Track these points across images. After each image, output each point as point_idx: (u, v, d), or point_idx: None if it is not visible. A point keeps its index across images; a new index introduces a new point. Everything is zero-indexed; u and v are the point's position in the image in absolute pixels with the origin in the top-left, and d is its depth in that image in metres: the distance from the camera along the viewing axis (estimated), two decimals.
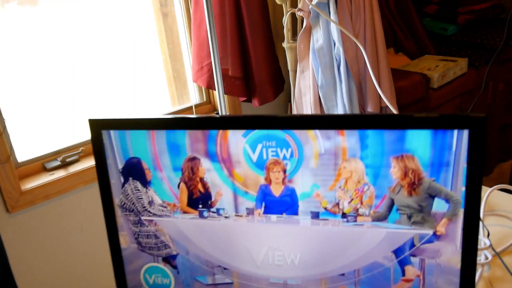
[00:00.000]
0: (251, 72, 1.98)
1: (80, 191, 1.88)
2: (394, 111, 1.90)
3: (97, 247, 1.96)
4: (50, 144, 1.91)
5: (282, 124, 0.67)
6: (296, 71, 1.89)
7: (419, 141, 0.62)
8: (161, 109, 2.24)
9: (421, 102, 2.17)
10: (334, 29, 1.69)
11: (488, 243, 0.85)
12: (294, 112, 1.94)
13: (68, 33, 1.89)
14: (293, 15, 1.84)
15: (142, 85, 2.15)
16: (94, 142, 0.74)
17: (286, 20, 1.86)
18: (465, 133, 0.59)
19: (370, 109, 1.78)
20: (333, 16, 1.66)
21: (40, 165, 1.87)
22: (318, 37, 1.73)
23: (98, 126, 0.74)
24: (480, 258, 0.85)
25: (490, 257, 0.83)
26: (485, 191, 1.01)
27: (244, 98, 2.08)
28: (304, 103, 1.88)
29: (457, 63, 2.24)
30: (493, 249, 0.83)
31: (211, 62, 1.67)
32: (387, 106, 1.88)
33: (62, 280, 1.92)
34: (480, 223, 0.92)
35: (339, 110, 1.79)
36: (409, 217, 0.65)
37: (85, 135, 1.97)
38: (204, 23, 1.68)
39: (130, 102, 2.12)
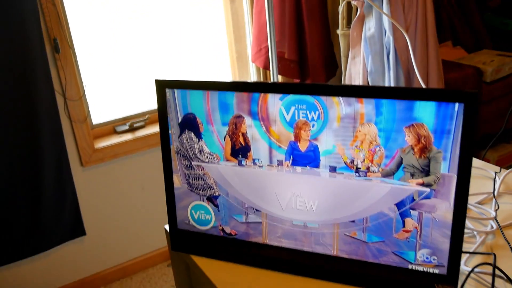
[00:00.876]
0: (305, 56, 2.11)
1: (144, 154, 2.10)
2: None
3: (154, 205, 2.19)
4: (121, 110, 2.14)
5: (312, 91, 0.80)
6: (348, 57, 1.99)
7: (425, 111, 0.73)
8: None
9: None
10: (385, 18, 1.77)
11: (493, 214, 0.94)
12: None
13: (143, 12, 2.09)
14: (348, 4, 1.94)
15: (208, 64, 2.34)
16: (158, 99, 0.91)
17: (342, 8, 1.96)
18: (461, 106, 0.70)
19: None
20: (385, 6, 1.75)
21: (111, 128, 2.11)
22: (370, 26, 1.82)
23: (163, 85, 0.90)
24: (487, 227, 0.94)
25: (495, 227, 0.92)
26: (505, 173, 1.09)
27: (298, 80, 2.21)
28: None
29: None
30: (496, 220, 0.92)
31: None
32: None
33: (123, 228, 2.16)
34: (493, 199, 1.01)
35: None
36: (412, 175, 0.76)
37: (151, 104, 2.18)
38: (264, 8, 1.81)
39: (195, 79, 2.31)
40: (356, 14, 1.89)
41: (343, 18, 1.98)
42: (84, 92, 1.96)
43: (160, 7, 2.13)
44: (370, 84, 1.91)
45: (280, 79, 2.28)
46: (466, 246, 0.91)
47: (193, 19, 2.22)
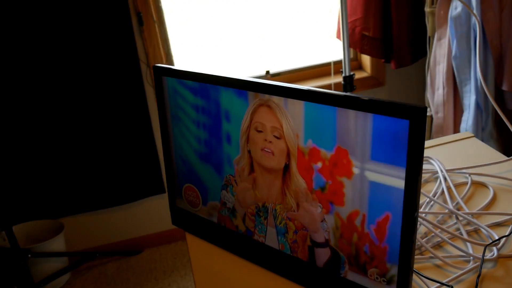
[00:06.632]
0: (391, 35, 1.97)
1: None
2: None
3: None
4: None
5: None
6: (434, 37, 1.81)
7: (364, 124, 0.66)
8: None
9: None
10: None
11: (496, 237, 0.82)
12: (428, 82, 1.87)
13: None
14: None
15: (308, 39, 2.32)
16: (156, 84, 0.96)
17: None
18: (406, 122, 0.62)
19: (506, 87, 1.63)
20: None
21: None
22: (457, 4, 1.62)
23: (160, 72, 0.95)
24: (487, 254, 0.83)
25: (496, 254, 0.81)
26: None
27: (382, 60, 2.08)
28: (437, 72, 1.81)
29: None
30: (496, 247, 0.80)
31: (354, 20, 1.73)
32: None
33: None
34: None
35: (472, 84, 1.68)
36: None
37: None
38: None
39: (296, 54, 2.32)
40: None
41: None
42: (169, 60, 2.09)
43: None
44: (455, 69, 1.72)
45: (370, 58, 2.17)
46: (454, 270, 0.82)
47: None
